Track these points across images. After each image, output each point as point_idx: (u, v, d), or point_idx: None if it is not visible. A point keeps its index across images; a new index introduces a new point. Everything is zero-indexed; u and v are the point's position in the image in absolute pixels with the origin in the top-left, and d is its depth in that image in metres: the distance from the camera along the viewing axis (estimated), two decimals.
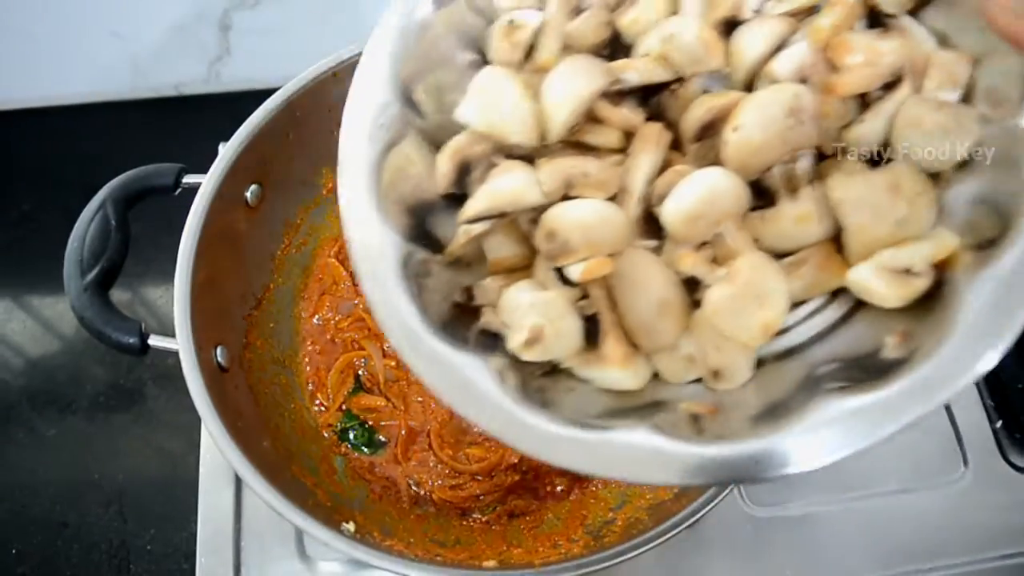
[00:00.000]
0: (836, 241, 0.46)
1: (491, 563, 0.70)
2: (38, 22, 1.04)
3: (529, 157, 0.47)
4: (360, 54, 0.49)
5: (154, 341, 0.64)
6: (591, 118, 0.47)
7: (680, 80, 0.47)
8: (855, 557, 0.85)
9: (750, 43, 0.46)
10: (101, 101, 1.13)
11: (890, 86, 0.45)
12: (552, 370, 0.48)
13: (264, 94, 0.75)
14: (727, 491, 0.63)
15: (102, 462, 0.89)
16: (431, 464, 0.81)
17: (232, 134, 0.74)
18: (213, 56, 1.11)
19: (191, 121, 1.12)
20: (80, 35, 1.06)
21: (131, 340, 0.63)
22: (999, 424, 0.90)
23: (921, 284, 0.44)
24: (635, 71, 0.47)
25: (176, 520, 0.85)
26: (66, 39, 1.07)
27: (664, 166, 0.46)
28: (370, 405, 0.83)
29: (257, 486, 0.62)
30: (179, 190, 0.69)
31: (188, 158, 0.73)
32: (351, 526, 0.69)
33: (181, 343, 0.64)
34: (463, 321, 0.47)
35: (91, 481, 0.88)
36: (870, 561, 0.85)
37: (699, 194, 0.44)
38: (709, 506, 0.62)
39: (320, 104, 0.78)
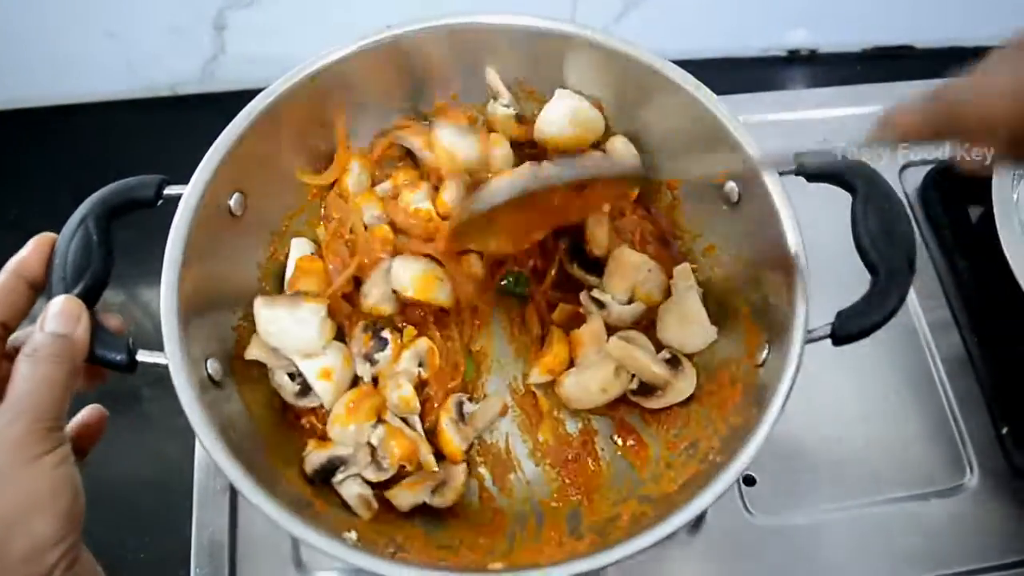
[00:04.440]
0: None
1: (498, 564, 0.68)
2: (32, 22, 1.03)
3: None
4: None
5: (143, 356, 0.62)
6: None
7: None
8: (859, 565, 0.84)
9: None
10: (95, 101, 1.13)
11: None
12: None
13: (259, 94, 0.74)
14: (733, 482, 0.62)
15: (96, 468, 0.87)
16: None
17: None
18: (208, 56, 1.10)
19: (186, 121, 1.11)
20: (74, 35, 1.06)
21: (118, 357, 0.61)
22: (1005, 430, 0.89)
23: None
24: None
25: (171, 527, 0.84)
26: (60, 39, 1.06)
27: None
28: None
29: (255, 498, 0.61)
30: (160, 202, 0.67)
31: (183, 159, 0.71)
32: (353, 535, 0.68)
33: (171, 358, 0.63)
34: None
35: (85, 487, 0.87)
36: (874, 569, 0.84)
37: None
38: (716, 498, 0.61)
39: (300, 108, 0.77)
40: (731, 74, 1.16)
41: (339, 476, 0.74)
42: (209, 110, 1.10)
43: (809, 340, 0.65)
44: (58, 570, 0.52)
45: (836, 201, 0.69)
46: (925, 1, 1.16)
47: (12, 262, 0.61)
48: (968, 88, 0.51)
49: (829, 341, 0.66)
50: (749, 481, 0.87)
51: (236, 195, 0.74)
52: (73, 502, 0.53)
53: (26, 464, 0.52)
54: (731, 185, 0.75)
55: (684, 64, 0.76)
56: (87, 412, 0.66)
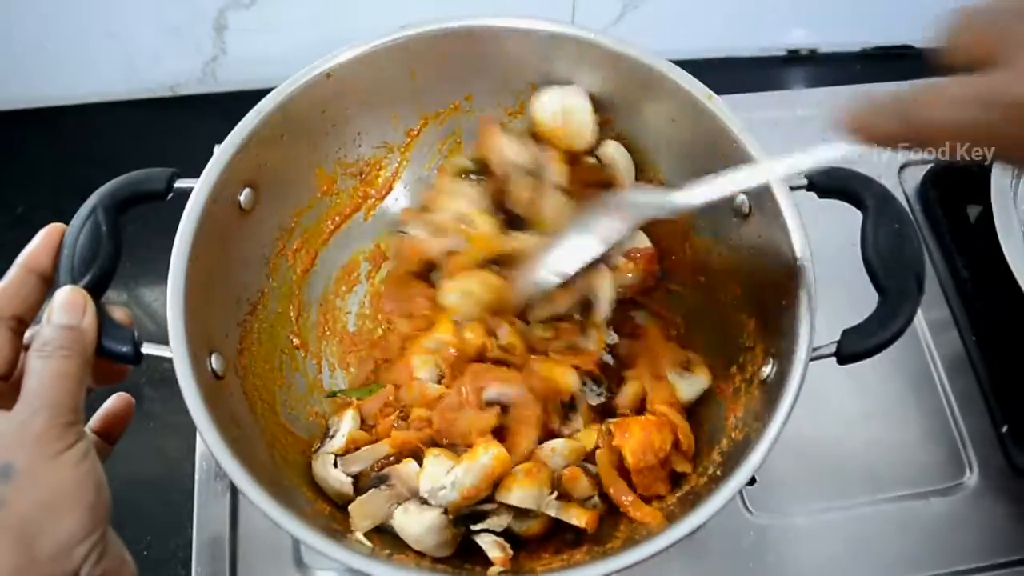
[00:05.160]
0: None
1: (495, 569, 0.69)
2: (31, 22, 1.04)
3: None
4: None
5: (147, 349, 0.62)
6: None
7: None
8: (859, 564, 0.85)
9: None
10: (96, 102, 1.13)
11: None
12: None
13: (260, 94, 0.74)
14: (733, 494, 0.62)
15: None
16: None
17: (228, 135, 0.72)
18: (209, 56, 1.10)
19: (186, 122, 1.12)
20: (74, 35, 1.06)
21: (124, 349, 0.61)
22: (1004, 429, 0.90)
23: None
24: None
25: (174, 526, 0.84)
26: (60, 39, 1.06)
27: None
28: None
29: (255, 496, 0.61)
30: (171, 195, 0.68)
31: (184, 159, 0.72)
32: (360, 535, 0.69)
33: (175, 351, 0.63)
34: None
35: None
36: (874, 569, 0.85)
37: None
38: (716, 511, 0.61)
39: (313, 105, 0.77)
40: (730, 74, 1.16)
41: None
42: (209, 111, 1.11)
43: (814, 358, 0.65)
44: (88, 564, 0.52)
45: (846, 217, 0.70)
46: (925, 1, 1.16)
47: (22, 256, 0.61)
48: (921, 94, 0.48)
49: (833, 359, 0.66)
50: (749, 480, 0.86)
51: (247, 190, 0.74)
52: (97, 496, 0.53)
53: (47, 462, 0.52)
54: (742, 198, 0.75)
55: (683, 64, 0.76)
56: (113, 401, 0.67)
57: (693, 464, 0.75)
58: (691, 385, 0.80)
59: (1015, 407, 0.90)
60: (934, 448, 0.90)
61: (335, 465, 0.74)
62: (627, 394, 0.80)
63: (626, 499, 0.72)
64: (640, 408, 0.80)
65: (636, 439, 0.72)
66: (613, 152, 0.84)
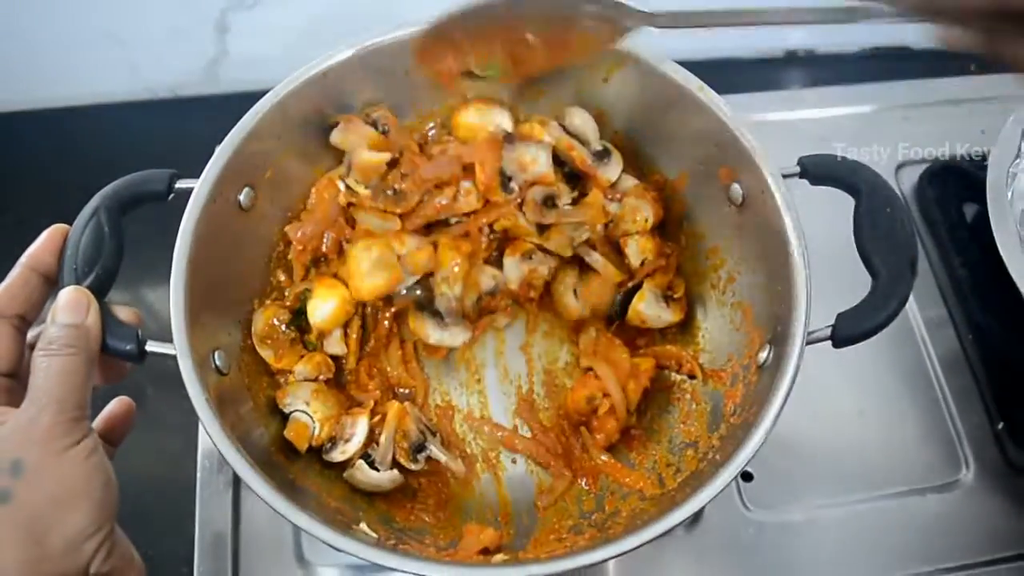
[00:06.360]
0: None
1: (500, 557, 0.70)
2: (34, 24, 1.04)
3: None
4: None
5: (151, 347, 0.63)
6: None
7: None
8: (856, 560, 0.85)
9: None
10: (98, 103, 1.13)
11: None
12: None
13: (262, 95, 0.75)
14: (732, 478, 0.62)
15: None
16: None
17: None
18: (210, 58, 1.11)
19: (188, 123, 1.12)
20: (77, 37, 1.06)
21: (128, 347, 0.62)
22: (1000, 426, 0.90)
23: None
24: None
25: (176, 524, 0.84)
26: (63, 41, 1.07)
27: None
28: None
29: (261, 491, 0.61)
30: (172, 195, 0.68)
31: (185, 160, 0.72)
32: (364, 526, 0.69)
33: (179, 348, 0.64)
34: None
35: None
36: (871, 565, 0.85)
37: None
38: (715, 494, 0.62)
39: (311, 105, 0.78)
40: (730, 74, 1.16)
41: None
42: (211, 112, 1.11)
43: (809, 341, 0.65)
44: (97, 559, 0.53)
45: (839, 204, 0.70)
46: None
47: (25, 256, 0.62)
48: None
49: (829, 343, 0.66)
50: (746, 477, 0.87)
51: (246, 189, 0.75)
52: (105, 491, 0.54)
53: (55, 457, 0.53)
54: (736, 187, 0.76)
55: (683, 64, 0.76)
56: (114, 404, 0.68)
57: (638, 419, 0.82)
58: (661, 315, 0.83)
59: (1011, 404, 0.91)
60: (930, 444, 0.90)
61: (374, 467, 0.76)
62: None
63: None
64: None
65: (572, 396, 0.82)
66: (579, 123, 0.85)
